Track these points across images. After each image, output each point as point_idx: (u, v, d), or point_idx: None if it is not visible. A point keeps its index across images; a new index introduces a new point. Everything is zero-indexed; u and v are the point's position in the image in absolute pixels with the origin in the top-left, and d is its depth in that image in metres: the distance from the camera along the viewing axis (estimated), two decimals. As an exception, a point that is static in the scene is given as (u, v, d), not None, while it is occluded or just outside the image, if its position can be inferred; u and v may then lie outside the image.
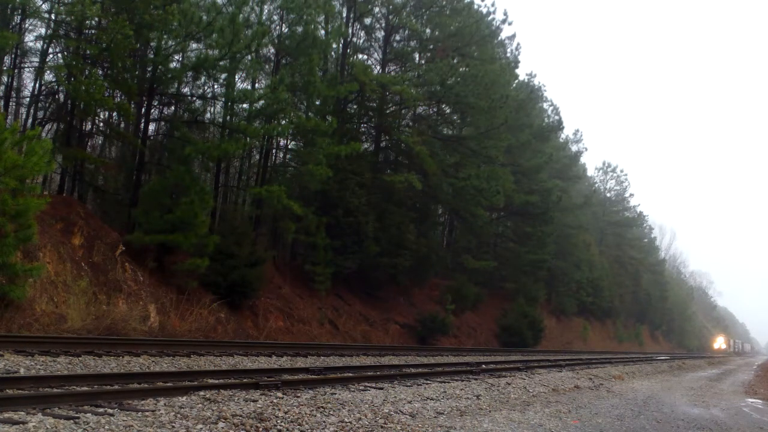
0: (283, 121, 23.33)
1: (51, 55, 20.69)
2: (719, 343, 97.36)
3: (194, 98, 24.24)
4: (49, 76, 20.14)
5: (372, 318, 28.38)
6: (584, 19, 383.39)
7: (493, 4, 45.57)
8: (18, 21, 19.00)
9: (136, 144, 21.58)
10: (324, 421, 6.89)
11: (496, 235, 44.92)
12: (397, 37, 32.91)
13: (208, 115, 25.87)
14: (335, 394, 9.11)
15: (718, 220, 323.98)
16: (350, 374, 11.73)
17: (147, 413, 6.43)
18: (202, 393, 7.86)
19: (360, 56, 31.82)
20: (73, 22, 18.71)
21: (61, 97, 20.96)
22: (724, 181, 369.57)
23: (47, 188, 21.50)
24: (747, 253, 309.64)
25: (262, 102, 22.28)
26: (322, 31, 25.89)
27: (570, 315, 53.50)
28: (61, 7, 18.52)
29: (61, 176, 21.55)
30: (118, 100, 20.50)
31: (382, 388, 10.33)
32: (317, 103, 25.52)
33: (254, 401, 7.67)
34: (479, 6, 33.41)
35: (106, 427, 5.75)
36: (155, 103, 23.39)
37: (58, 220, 17.29)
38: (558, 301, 52.09)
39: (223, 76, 22.15)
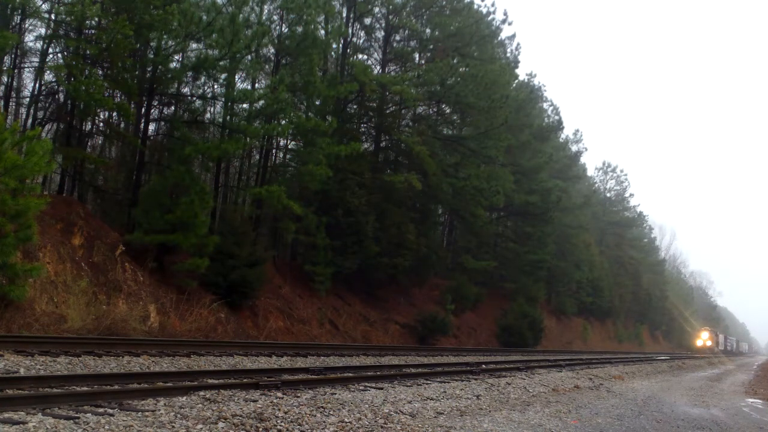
0: (283, 121, 23.32)
1: (51, 55, 20.70)
2: (703, 339, 70.86)
3: (194, 98, 24.25)
4: (49, 76, 20.15)
5: (372, 318, 28.38)
6: (584, 19, 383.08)
7: (493, 4, 45.79)
8: (18, 21, 19.00)
9: (136, 144, 21.59)
10: (324, 421, 6.89)
11: (496, 235, 44.94)
12: (397, 37, 32.93)
13: (208, 115, 25.88)
14: (335, 394, 9.10)
15: (718, 220, 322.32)
16: (350, 374, 11.73)
17: (147, 413, 6.43)
18: (202, 393, 7.86)
19: (360, 56, 31.84)
20: (73, 22, 18.71)
21: (61, 97, 20.96)
22: (725, 182, 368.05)
23: (47, 188, 21.49)
24: (747, 253, 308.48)
25: (262, 102, 22.30)
26: (322, 31, 25.89)
27: (570, 315, 53.52)
28: (61, 7, 18.52)
29: (61, 176, 21.55)
30: (118, 100, 20.50)
31: (382, 388, 10.33)
32: (317, 103, 25.53)
33: (254, 401, 7.67)
34: (479, 6, 33.55)
35: (106, 427, 5.75)
36: (155, 103, 23.39)
37: (58, 220, 17.28)
38: (558, 301, 52.12)
39: (223, 76, 22.16)
